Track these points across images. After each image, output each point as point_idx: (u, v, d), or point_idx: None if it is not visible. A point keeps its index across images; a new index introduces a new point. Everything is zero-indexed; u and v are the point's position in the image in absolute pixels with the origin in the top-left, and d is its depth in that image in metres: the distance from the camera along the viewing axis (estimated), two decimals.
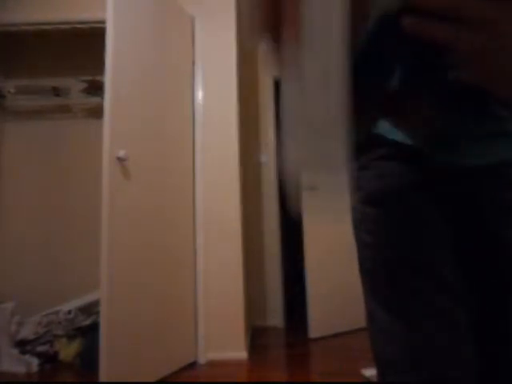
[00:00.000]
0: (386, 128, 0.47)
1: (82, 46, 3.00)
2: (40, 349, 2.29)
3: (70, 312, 2.40)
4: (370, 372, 1.88)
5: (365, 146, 0.50)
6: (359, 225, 0.53)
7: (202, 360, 2.23)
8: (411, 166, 0.48)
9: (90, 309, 2.48)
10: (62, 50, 3.11)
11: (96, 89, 2.89)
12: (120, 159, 1.80)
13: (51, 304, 2.55)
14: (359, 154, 0.51)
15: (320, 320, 2.70)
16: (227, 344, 2.26)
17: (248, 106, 3.36)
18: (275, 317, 3.15)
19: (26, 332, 2.32)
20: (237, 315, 2.29)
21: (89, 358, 2.13)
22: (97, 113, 2.89)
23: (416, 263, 0.46)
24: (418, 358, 0.44)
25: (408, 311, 0.46)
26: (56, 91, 2.97)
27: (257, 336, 2.82)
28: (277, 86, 3.51)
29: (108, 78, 1.81)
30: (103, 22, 1.91)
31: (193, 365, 2.19)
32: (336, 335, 2.72)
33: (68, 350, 2.28)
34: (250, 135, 3.33)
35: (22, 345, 2.27)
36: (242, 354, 2.25)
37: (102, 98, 1.87)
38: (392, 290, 0.47)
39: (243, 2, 2.91)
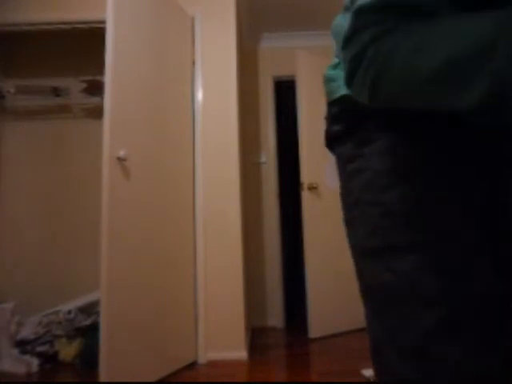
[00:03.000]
0: None
1: (82, 46, 3.00)
2: (40, 349, 2.29)
3: (70, 312, 2.40)
4: (370, 372, 1.88)
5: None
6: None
7: (202, 360, 2.23)
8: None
9: (90, 309, 2.48)
10: (62, 50, 3.10)
11: (96, 89, 2.89)
12: (120, 159, 1.80)
13: (51, 304, 2.55)
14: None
15: (320, 320, 2.70)
16: (227, 344, 2.26)
17: (248, 106, 3.36)
18: (275, 317, 3.15)
19: (26, 332, 2.32)
20: (237, 315, 2.29)
21: (89, 358, 2.13)
22: (97, 113, 2.90)
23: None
24: None
25: None
26: (56, 91, 2.97)
27: (257, 336, 2.82)
28: (277, 85, 3.51)
29: (108, 78, 1.81)
30: (103, 22, 1.92)
31: (193, 365, 2.19)
32: (336, 335, 2.72)
33: (68, 350, 2.28)
34: (249, 135, 3.33)
35: (22, 345, 2.27)
36: (242, 354, 2.25)
37: (102, 98, 1.87)
38: None
39: (243, 2, 2.91)
